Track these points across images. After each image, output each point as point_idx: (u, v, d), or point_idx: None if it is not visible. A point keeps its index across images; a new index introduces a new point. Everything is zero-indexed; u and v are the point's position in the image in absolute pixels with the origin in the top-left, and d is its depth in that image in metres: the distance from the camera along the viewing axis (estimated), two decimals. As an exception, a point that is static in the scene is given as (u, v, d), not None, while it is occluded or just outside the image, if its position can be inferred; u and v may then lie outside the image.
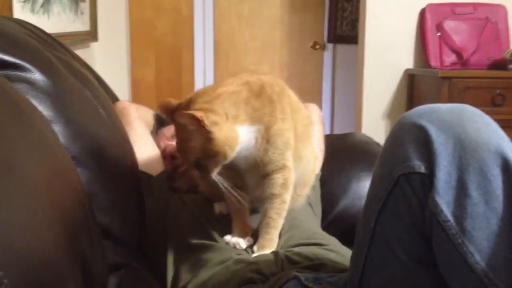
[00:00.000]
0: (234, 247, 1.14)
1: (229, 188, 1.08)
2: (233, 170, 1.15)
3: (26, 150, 0.68)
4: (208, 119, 0.98)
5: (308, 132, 1.24)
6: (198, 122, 0.98)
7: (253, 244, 1.16)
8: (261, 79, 1.12)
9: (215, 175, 1.06)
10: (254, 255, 1.12)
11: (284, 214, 1.16)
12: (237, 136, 1.04)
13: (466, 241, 0.69)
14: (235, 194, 1.10)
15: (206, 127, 0.98)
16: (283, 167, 1.12)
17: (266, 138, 1.08)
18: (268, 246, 1.13)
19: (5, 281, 0.47)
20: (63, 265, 0.64)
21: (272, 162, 1.11)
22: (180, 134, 1.05)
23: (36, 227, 0.59)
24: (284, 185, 1.13)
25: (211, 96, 1.04)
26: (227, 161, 1.05)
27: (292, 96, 1.18)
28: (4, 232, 0.52)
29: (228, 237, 1.17)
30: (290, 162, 1.12)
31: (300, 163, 1.19)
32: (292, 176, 1.14)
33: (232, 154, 1.04)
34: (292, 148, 1.12)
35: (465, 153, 0.71)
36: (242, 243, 1.15)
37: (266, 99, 1.08)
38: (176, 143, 1.08)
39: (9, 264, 0.49)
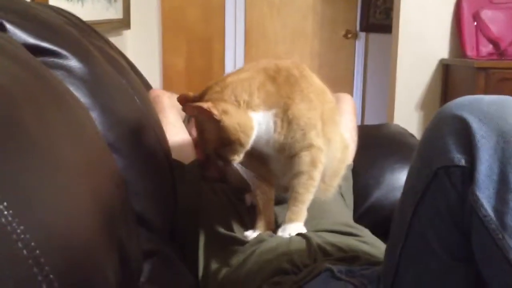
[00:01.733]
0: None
1: (250, 176, 1.09)
2: (257, 160, 1.16)
3: (67, 136, 0.69)
4: (217, 108, 1.00)
5: (334, 115, 1.22)
6: (207, 113, 1.00)
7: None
8: (278, 65, 1.12)
9: (236, 163, 1.08)
10: (281, 229, 1.13)
11: (312, 190, 1.14)
12: (250, 122, 1.05)
13: (506, 237, 0.67)
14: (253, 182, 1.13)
15: (215, 117, 1.00)
16: (309, 146, 1.11)
17: (287, 120, 1.08)
18: (295, 219, 1.13)
19: (47, 267, 0.47)
20: (102, 251, 0.64)
21: (297, 142, 1.10)
22: (197, 126, 1.08)
23: (75, 213, 0.60)
24: (312, 163, 1.12)
25: (221, 86, 1.06)
26: (245, 148, 1.07)
27: (314, 80, 1.17)
28: (46, 218, 0.53)
29: (249, 232, 1.16)
30: (316, 142, 1.11)
31: (329, 146, 1.18)
32: (320, 155, 1.12)
33: (248, 140, 1.05)
34: (317, 128, 1.11)
35: (508, 146, 0.69)
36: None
37: (282, 82, 1.08)
38: (196, 136, 1.10)
39: (50, 251, 0.50)
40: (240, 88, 1.05)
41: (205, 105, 1.00)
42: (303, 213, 1.14)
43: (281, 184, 1.21)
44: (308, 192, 1.14)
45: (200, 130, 1.07)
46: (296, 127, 1.08)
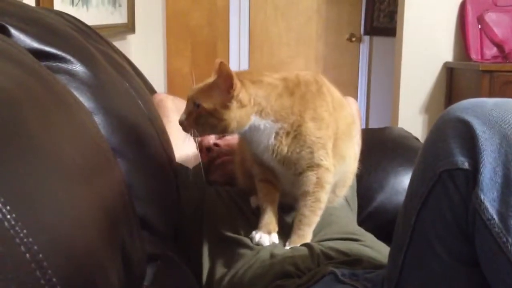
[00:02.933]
0: (258, 244, 1.13)
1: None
2: (264, 167, 1.16)
3: (70, 139, 0.69)
4: (238, 93, 1.02)
5: (350, 131, 1.22)
6: (230, 85, 1.01)
7: (283, 241, 1.16)
8: (298, 77, 1.12)
9: (194, 132, 1.07)
10: (285, 248, 1.12)
11: (319, 212, 1.15)
12: (247, 122, 1.05)
13: (510, 240, 0.67)
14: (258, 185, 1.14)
15: (231, 95, 1.01)
16: (316, 166, 1.11)
17: (293, 135, 1.08)
18: (300, 242, 1.13)
19: (49, 271, 0.48)
20: (105, 254, 0.64)
21: (303, 160, 1.10)
22: (212, 79, 1.07)
23: (78, 216, 0.60)
24: (318, 184, 1.12)
25: (254, 79, 1.07)
26: (222, 132, 1.09)
27: (333, 93, 1.17)
28: (49, 221, 0.53)
29: (253, 233, 1.16)
30: (325, 162, 1.11)
31: (343, 163, 1.18)
32: (327, 176, 1.12)
33: (232, 131, 1.06)
34: (327, 148, 1.11)
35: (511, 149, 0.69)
36: (265, 240, 1.14)
37: (298, 98, 1.08)
38: (202, 83, 1.09)
39: (53, 254, 0.50)
40: (262, 92, 1.06)
41: (236, 81, 1.01)
42: (308, 236, 1.14)
43: (285, 191, 1.22)
44: (314, 214, 1.14)
45: (211, 84, 1.06)
46: (303, 143, 1.08)
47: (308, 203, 1.13)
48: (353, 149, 1.26)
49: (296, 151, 1.09)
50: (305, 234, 1.14)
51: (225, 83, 1.01)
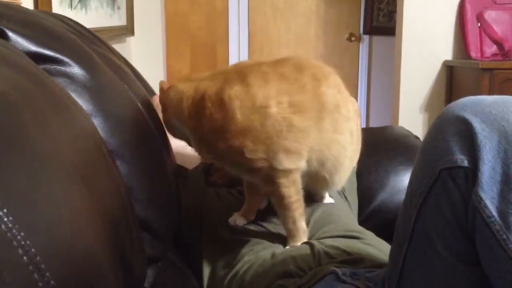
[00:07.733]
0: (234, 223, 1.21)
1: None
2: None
3: (68, 142, 0.69)
4: None
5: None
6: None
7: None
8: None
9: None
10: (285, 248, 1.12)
11: (292, 206, 1.08)
12: None
13: (511, 237, 0.67)
14: None
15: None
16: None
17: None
18: (295, 241, 1.12)
19: (47, 274, 0.47)
20: (103, 257, 0.64)
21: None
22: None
23: (77, 219, 0.59)
24: (268, 183, 1.09)
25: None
26: None
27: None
28: (47, 224, 0.52)
29: (233, 217, 1.23)
30: (260, 164, 1.05)
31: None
32: (273, 173, 1.05)
33: None
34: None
35: (511, 147, 0.69)
36: (240, 221, 1.21)
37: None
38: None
39: (51, 257, 0.50)
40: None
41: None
42: (300, 231, 1.11)
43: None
44: (288, 210, 1.09)
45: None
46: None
47: (276, 202, 1.11)
48: (328, 130, 1.16)
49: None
50: (296, 230, 1.11)
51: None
